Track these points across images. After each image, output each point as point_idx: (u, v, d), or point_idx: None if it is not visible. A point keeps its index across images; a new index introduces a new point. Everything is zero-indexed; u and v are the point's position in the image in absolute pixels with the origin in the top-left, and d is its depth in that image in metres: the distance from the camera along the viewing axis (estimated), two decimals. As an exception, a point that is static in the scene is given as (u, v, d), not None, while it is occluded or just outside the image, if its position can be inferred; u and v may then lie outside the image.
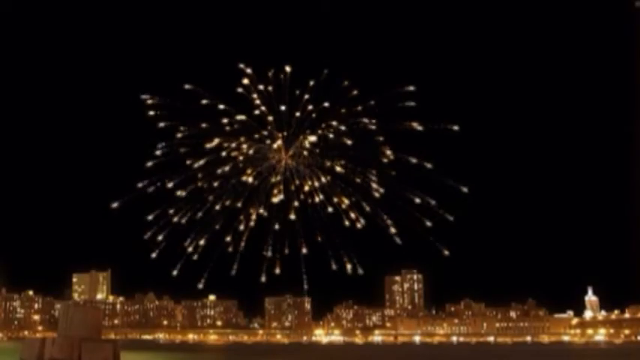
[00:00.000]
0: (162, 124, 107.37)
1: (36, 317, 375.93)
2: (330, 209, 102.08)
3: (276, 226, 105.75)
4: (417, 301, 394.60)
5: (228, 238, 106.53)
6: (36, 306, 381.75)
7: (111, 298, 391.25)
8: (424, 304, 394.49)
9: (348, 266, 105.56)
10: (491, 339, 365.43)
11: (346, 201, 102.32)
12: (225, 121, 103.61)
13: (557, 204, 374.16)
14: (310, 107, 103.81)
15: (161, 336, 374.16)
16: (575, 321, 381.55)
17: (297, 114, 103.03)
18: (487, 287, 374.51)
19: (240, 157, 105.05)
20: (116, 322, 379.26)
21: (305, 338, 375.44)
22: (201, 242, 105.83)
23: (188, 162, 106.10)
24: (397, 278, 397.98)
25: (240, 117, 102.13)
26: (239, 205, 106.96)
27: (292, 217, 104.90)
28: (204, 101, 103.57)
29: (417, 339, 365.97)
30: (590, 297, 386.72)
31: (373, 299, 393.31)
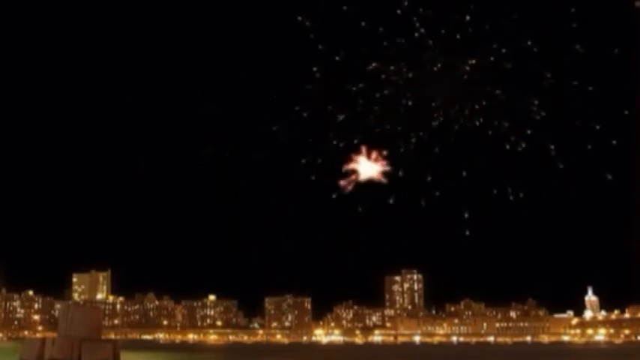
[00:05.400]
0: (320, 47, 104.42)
1: (36, 317, 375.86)
2: (489, 132, 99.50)
3: (436, 150, 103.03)
4: (417, 301, 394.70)
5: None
6: (36, 306, 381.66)
7: (111, 298, 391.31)
8: (424, 304, 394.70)
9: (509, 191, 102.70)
10: (491, 339, 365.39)
11: (506, 124, 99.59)
12: (384, 44, 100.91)
13: (557, 204, 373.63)
14: (470, 30, 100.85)
15: (161, 336, 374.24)
16: (575, 321, 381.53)
17: (458, 36, 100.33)
18: (487, 287, 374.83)
19: (400, 82, 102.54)
20: (116, 322, 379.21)
21: (305, 338, 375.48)
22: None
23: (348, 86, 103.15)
24: (397, 278, 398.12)
25: (400, 40, 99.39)
26: (399, 128, 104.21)
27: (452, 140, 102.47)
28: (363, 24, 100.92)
29: (417, 339, 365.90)
30: (590, 297, 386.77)
31: (373, 299, 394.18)
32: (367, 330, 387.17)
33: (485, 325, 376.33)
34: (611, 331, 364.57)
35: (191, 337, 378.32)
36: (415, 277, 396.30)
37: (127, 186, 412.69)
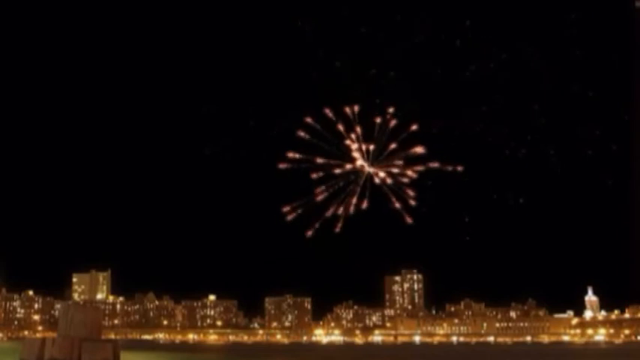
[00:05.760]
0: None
1: (36, 317, 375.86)
2: (490, 138, 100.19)
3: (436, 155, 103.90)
4: (417, 301, 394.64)
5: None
6: (36, 306, 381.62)
7: (111, 298, 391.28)
8: (424, 304, 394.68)
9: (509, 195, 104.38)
10: (491, 339, 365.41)
11: (506, 130, 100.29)
12: (384, 49, 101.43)
13: (557, 203, 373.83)
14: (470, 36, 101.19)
15: (161, 336, 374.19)
16: (575, 321, 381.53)
17: (458, 42, 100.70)
18: (487, 287, 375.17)
19: (400, 87, 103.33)
20: (116, 322, 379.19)
21: (305, 338, 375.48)
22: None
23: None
24: (397, 278, 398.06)
25: (400, 45, 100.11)
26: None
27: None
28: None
29: (417, 339, 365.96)
30: (590, 297, 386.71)
31: (373, 299, 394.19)
32: (367, 330, 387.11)
33: (485, 325, 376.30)
34: (611, 331, 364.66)
35: (191, 337, 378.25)
36: (415, 277, 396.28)
37: (126, 186, 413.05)
